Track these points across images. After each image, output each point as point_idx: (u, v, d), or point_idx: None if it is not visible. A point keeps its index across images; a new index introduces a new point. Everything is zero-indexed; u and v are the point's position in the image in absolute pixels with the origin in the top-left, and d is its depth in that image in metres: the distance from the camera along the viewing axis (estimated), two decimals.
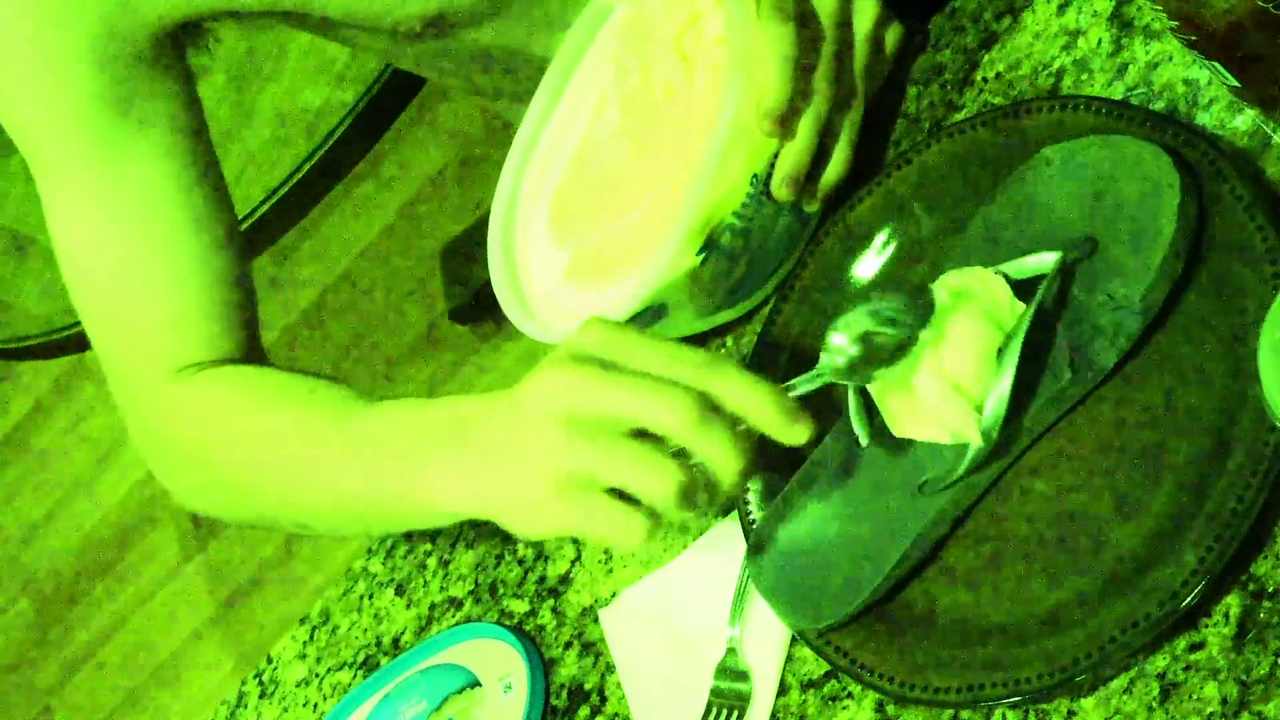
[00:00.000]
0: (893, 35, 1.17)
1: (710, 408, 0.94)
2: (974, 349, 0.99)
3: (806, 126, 1.12)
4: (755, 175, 1.12)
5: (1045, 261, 1.01)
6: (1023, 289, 1.01)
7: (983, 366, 0.98)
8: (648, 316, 1.13)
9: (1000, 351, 0.99)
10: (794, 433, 0.95)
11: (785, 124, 1.11)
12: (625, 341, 0.97)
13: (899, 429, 1.02)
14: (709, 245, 1.11)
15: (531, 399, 0.98)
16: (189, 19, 1.22)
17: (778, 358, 1.14)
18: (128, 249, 1.24)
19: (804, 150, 1.12)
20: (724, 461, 0.95)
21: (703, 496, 0.96)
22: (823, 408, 1.06)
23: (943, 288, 1.01)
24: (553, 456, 0.97)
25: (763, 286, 1.17)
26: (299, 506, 1.19)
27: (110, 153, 1.21)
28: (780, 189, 1.12)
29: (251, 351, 1.29)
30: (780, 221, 1.14)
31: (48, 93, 1.20)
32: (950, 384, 0.98)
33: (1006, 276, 1.01)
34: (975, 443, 0.98)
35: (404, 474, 1.07)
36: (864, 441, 1.04)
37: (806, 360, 1.13)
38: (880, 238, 1.13)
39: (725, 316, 1.18)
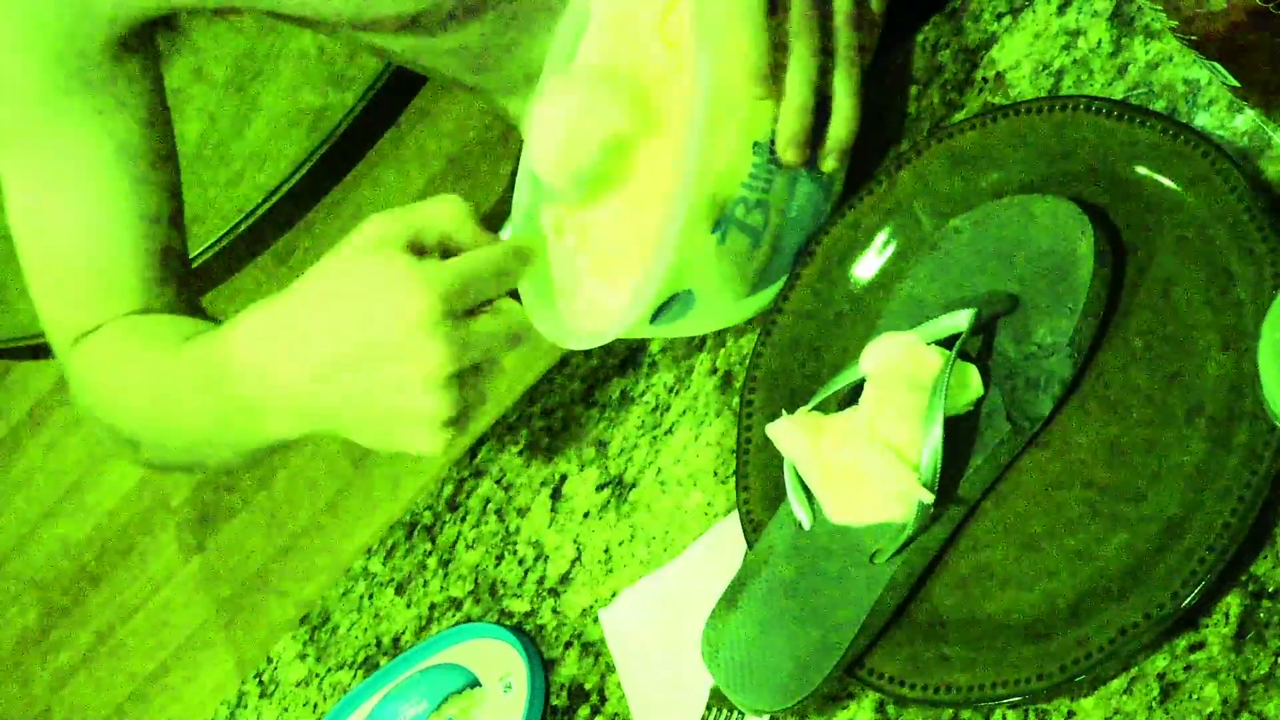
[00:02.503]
0: None
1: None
2: (904, 413, 1.00)
3: (797, 82, 1.09)
4: (757, 143, 1.10)
5: (960, 320, 1.03)
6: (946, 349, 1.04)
7: (915, 428, 1.00)
8: (675, 305, 1.11)
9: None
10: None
11: (771, 83, 1.08)
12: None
13: (838, 517, 1.03)
14: (722, 221, 1.10)
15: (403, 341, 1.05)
16: (151, 15, 1.24)
17: (776, 365, 1.14)
18: (65, 221, 1.29)
19: (801, 108, 1.10)
20: None
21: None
22: (772, 483, 1.08)
23: (867, 359, 1.03)
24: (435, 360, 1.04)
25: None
26: (174, 445, 1.25)
27: (62, 134, 1.26)
28: (786, 151, 1.10)
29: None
30: (800, 190, 1.13)
31: (6, 75, 1.25)
32: (890, 449, 1.00)
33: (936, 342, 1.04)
34: (924, 499, 0.99)
35: (229, 393, 1.13)
36: (807, 525, 1.04)
37: (807, 365, 1.13)
38: (880, 237, 1.13)
39: (765, 296, 1.16)
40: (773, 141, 1.10)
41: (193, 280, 1.36)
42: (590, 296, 1.17)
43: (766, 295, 1.15)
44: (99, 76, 1.24)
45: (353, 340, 1.06)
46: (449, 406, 1.05)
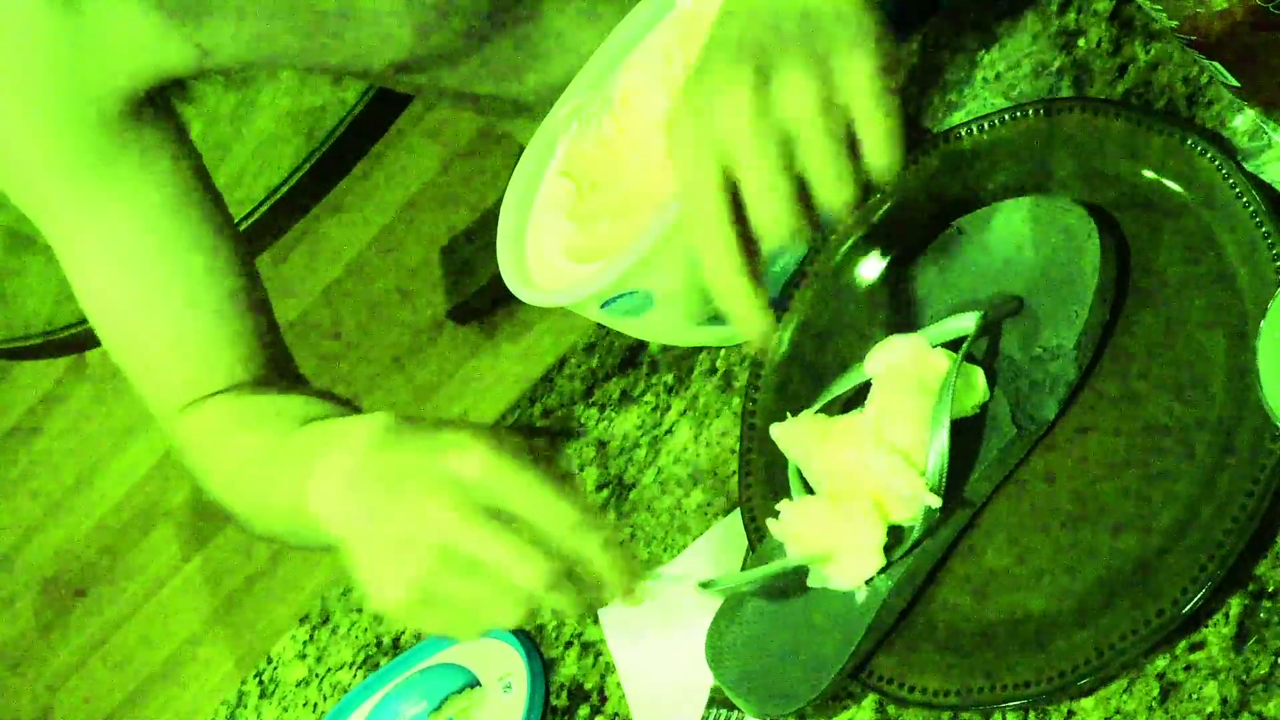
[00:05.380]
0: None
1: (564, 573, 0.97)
2: (910, 416, 1.00)
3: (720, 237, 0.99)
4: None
5: (966, 322, 1.03)
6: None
7: (921, 431, 1.00)
8: (631, 300, 1.11)
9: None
10: (629, 601, 0.99)
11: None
12: (506, 479, 0.97)
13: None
14: None
15: (395, 509, 0.99)
16: (161, 81, 1.24)
17: (779, 365, 1.14)
18: (131, 295, 1.27)
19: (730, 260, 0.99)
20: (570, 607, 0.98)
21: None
22: (775, 483, 1.08)
23: (873, 361, 1.03)
24: (431, 528, 0.97)
25: None
26: (261, 522, 1.23)
27: (98, 210, 1.24)
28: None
29: (277, 371, 1.31)
30: (791, 250, 1.13)
31: (27, 159, 1.23)
32: (895, 452, 1.00)
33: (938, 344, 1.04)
34: (930, 502, 0.99)
35: (299, 480, 1.08)
36: None
37: (811, 367, 1.13)
38: (885, 239, 1.13)
39: (719, 334, 1.16)
40: None
41: (281, 343, 1.33)
42: (565, 268, 1.17)
43: (721, 333, 1.16)
44: (116, 145, 1.23)
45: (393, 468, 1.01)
46: (406, 578, 0.98)
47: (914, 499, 0.99)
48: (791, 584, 1.03)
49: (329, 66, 1.27)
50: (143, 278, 1.26)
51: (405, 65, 1.28)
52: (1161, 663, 0.92)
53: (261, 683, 1.39)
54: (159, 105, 1.25)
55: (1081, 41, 1.12)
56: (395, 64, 1.27)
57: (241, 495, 1.23)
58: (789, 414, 1.06)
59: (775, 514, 1.05)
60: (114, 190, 1.23)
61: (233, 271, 1.28)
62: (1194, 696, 0.90)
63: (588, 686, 1.16)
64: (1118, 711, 0.93)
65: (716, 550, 1.13)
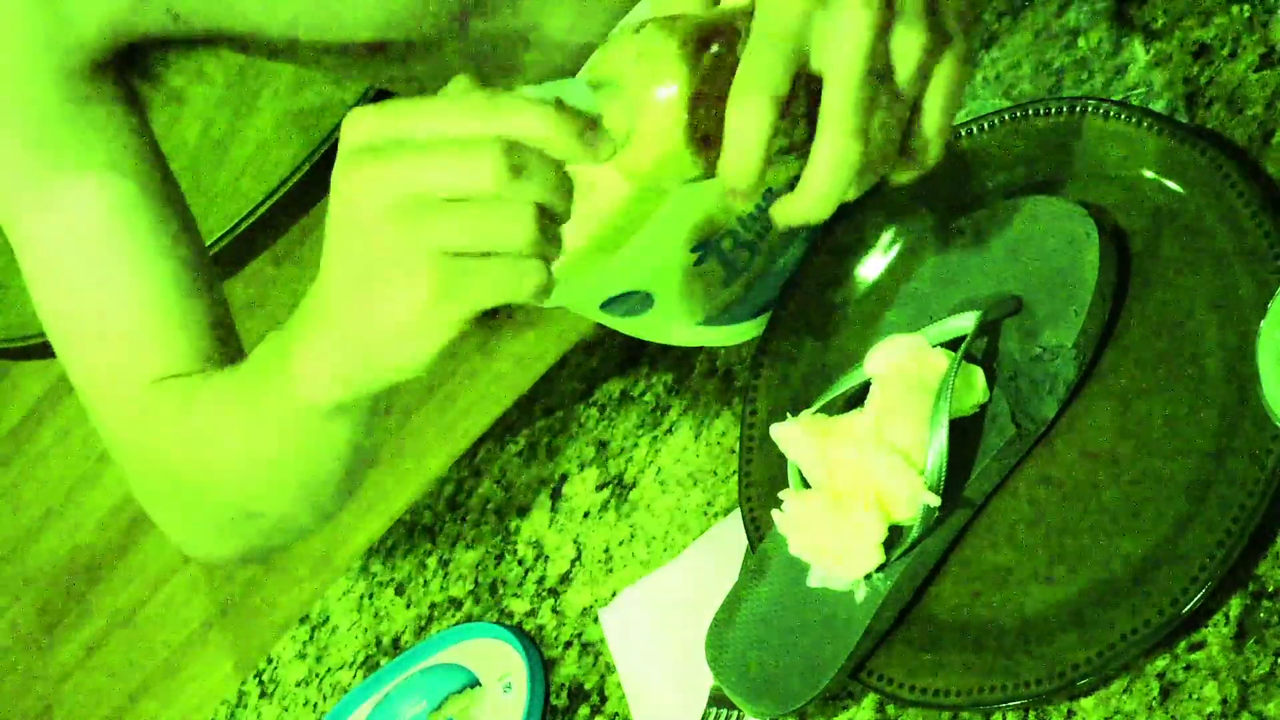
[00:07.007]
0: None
1: (516, 151, 0.86)
2: (909, 416, 1.00)
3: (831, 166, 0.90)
4: (770, 189, 1.11)
5: (966, 322, 1.03)
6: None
7: (921, 431, 1.00)
8: (631, 301, 1.12)
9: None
10: (595, 154, 0.87)
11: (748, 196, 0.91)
12: (398, 114, 0.88)
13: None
14: (706, 245, 1.10)
15: (344, 225, 0.89)
16: (134, 39, 1.22)
17: (779, 365, 1.14)
18: (90, 271, 1.23)
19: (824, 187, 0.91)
20: (553, 197, 0.87)
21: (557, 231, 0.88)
22: (775, 483, 1.07)
23: (873, 360, 1.03)
24: (401, 254, 0.87)
25: (764, 315, 1.16)
26: (233, 482, 1.16)
27: (59, 172, 1.21)
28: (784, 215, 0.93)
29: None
30: (792, 250, 1.14)
31: None
32: (895, 452, 1.00)
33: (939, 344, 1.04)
34: (929, 502, 0.99)
35: (276, 376, 1.01)
36: None
37: (811, 366, 1.13)
38: (885, 238, 1.13)
39: (719, 334, 1.17)
40: (781, 193, 1.10)
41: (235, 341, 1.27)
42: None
43: (721, 332, 1.16)
44: (79, 103, 1.21)
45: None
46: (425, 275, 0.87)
47: (913, 498, 0.99)
48: (791, 584, 1.03)
49: (299, 41, 1.25)
50: (104, 250, 1.22)
51: (379, 47, 1.26)
52: (1161, 663, 0.92)
53: (261, 683, 1.39)
54: (125, 71, 1.23)
55: (1081, 41, 1.12)
56: (368, 44, 1.25)
57: (214, 448, 1.16)
58: (789, 414, 1.06)
59: (778, 504, 1.06)
60: (76, 149, 1.20)
61: (193, 258, 1.24)
62: (1194, 696, 0.90)
63: (588, 686, 1.16)
64: (1118, 711, 0.93)
65: (716, 550, 1.13)
